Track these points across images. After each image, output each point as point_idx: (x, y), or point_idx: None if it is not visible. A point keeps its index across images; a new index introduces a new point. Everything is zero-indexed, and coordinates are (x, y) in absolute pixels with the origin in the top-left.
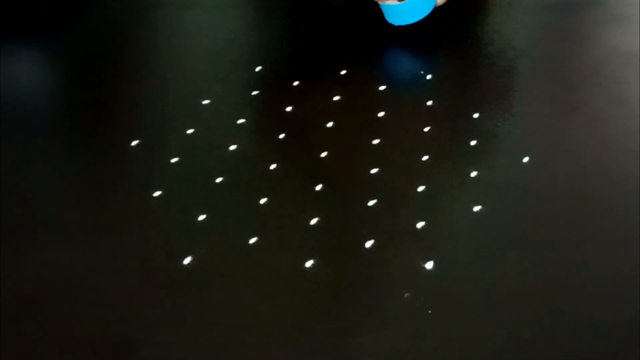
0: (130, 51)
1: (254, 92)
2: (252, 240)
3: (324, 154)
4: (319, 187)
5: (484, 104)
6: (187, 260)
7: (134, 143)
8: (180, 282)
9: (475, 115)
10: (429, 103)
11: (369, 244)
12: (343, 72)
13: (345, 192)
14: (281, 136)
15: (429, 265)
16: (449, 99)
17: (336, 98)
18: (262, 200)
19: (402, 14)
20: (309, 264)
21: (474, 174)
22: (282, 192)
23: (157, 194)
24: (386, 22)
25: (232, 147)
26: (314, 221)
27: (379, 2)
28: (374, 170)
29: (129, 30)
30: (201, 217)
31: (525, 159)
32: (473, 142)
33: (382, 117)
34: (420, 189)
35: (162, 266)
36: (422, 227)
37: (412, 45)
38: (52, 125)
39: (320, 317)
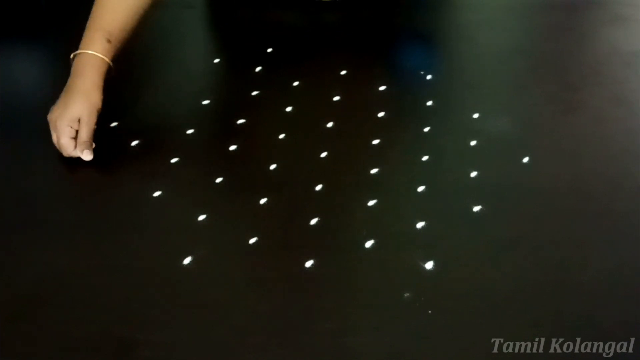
0: (130, 51)
1: (254, 92)
2: (252, 240)
3: (323, 154)
4: (319, 187)
5: (484, 104)
6: (187, 260)
7: (134, 143)
8: (180, 282)
9: (475, 115)
10: (429, 103)
11: (369, 244)
12: (343, 72)
13: (345, 192)
14: (281, 136)
15: (429, 265)
16: (449, 99)
17: (336, 98)
18: (262, 200)
19: None
20: (309, 264)
21: (474, 174)
22: (281, 192)
23: (157, 194)
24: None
25: (232, 147)
26: (314, 221)
27: None
28: (374, 170)
29: None
30: (201, 217)
31: (525, 159)
32: (473, 142)
33: (382, 117)
34: (420, 189)
35: (162, 266)
36: (422, 227)
37: (410, 45)
38: None
39: (320, 317)
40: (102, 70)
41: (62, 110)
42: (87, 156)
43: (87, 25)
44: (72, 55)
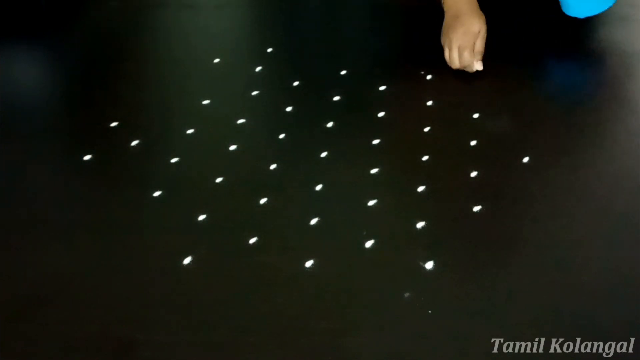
0: (130, 51)
1: (254, 92)
2: (252, 240)
3: (324, 154)
4: (319, 187)
5: (484, 104)
6: (187, 260)
7: (134, 143)
8: (180, 282)
9: (475, 115)
10: (429, 103)
11: (369, 244)
12: (343, 72)
13: (346, 192)
14: (281, 136)
15: (429, 265)
16: (449, 99)
17: (336, 98)
18: (262, 200)
19: (585, 5)
20: (309, 264)
21: (474, 174)
22: (282, 192)
23: (157, 194)
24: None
25: (232, 147)
26: (314, 221)
27: None
28: (374, 170)
29: (129, 30)
30: (201, 217)
31: (525, 159)
32: (473, 142)
33: (382, 117)
34: (420, 189)
35: (162, 266)
36: (422, 227)
37: (411, 47)
38: (52, 125)
39: (320, 317)
40: None
41: (465, 28)
42: (480, 66)
43: None
44: None
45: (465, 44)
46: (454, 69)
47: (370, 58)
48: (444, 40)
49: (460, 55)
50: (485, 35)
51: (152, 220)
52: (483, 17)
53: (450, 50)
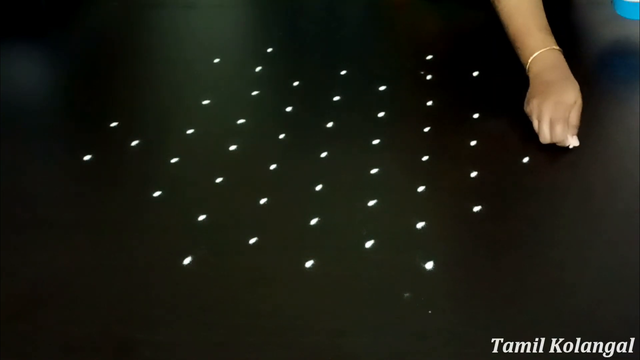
0: (130, 51)
1: (254, 92)
2: (252, 240)
3: (324, 154)
4: (319, 187)
5: (484, 104)
6: (187, 260)
7: (134, 143)
8: (180, 282)
9: (475, 116)
10: (429, 103)
11: (369, 244)
12: (343, 72)
13: (346, 192)
14: (281, 136)
15: (429, 265)
16: (449, 99)
17: (336, 98)
18: (262, 200)
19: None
20: (309, 264)
21: (474, 174)
22: (282, 192)
23: (157, 194)
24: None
25: (232, 147)
26: (314, 221)
27: None
28: (374, 170)
29: (129, 30)
30: (201, 217)
31: (525, 159)
32: (473, 142)
33: (382, 117)
34: (420, 189)
35: (162, 266)
36: (422, 227)
37: (411, 47)
38: (52, 125)
39: (320, 317)
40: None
41: (558, 97)
42: (576, 141)
43: (521, 30)
44: (531, 58)
45: (558, 116)
46: (543, 143)
47: (370, 58)
48: (530, 109)
49: (552, 129)
50: (581, 106)
51: (152, 220)
52: (577, 85)
53: (540, 122)
